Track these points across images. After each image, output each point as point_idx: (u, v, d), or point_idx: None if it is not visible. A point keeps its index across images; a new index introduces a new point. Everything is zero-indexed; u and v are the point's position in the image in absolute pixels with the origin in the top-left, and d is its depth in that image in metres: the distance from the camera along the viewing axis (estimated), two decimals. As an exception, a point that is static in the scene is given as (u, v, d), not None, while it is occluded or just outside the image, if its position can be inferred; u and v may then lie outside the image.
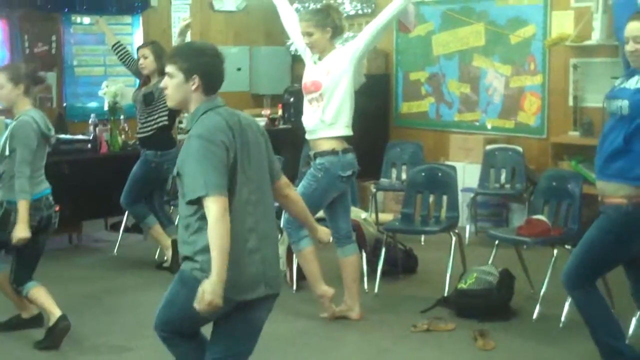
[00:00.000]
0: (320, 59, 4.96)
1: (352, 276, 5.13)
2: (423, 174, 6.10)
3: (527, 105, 7.61)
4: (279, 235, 5.10)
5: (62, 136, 6.79)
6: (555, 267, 5.00)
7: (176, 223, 5.12)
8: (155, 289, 5.06)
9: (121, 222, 6.98)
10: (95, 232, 7.48)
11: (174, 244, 5.99)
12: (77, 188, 6.45)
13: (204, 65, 3.13)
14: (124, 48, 6.78)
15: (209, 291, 2.88)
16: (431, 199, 6.04)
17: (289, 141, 7.49)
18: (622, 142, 3.81)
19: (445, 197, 5.95)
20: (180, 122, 7.06)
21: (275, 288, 3.18)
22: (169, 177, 6.24)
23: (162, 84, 3.27)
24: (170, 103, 3.23)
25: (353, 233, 5.21)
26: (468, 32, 7.97)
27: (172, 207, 6.66)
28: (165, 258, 6.32)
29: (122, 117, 7.05)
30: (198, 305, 2.90)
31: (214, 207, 2.92)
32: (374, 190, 7.48)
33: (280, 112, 8.48)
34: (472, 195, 7.20)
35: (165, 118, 6.15)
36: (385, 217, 7.33)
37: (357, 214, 5.92)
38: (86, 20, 8.32)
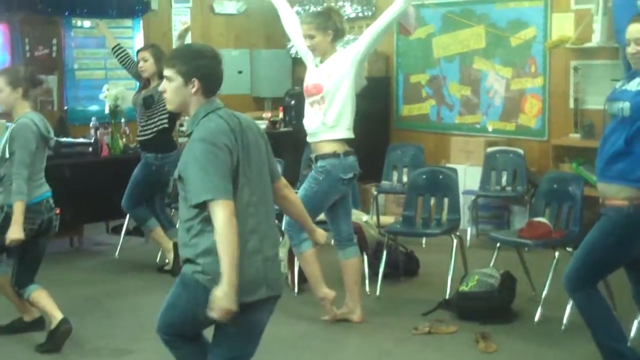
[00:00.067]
0: (321, 61, 4.96)
1: (353, 279, 5.13)
2: (424, 176, 6.10)
3: (528, 108, 7.61)
4: (280, 238, 5.10)
5: (63, 139, 6.81)
6: (556, 270, 4.99)
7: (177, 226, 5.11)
8: (157, 291, 5.06)
9: (122, 225, 6.97)
10: (96, 235, 7.47)
11: (176, 246, 5.99)
12: (78, 191, 6.45)
13: (203, 68, 3.10)
14: (124, 51, 6.78)
15: (221, 297, 2.87)
16: (432, 201, 6.04)
17: (290, 144, 7.49)
18: (623, 144, 3.81)
19: (446, 200, 5.95)
20: (181, 124, 7.06)
21: (276, 290, 3.16)
22: (170, 179, 6.23)
23: (160, 88, 3.23)
24: (170, 106, 3.20)
25: (354, 236, 5.22)
26: (468, 35, 7.97)
27: (173, 210, 6.65)
28: (167, 261, 6.32)
29: (123, 120, 7.06)
30: (212, 312, 2.89)
31: (222, 212, 2.90)
32: (375, 192, 7.47)
33: (281, 114, 8.48)
34: (473, 197, 7.20)
35: (166, 121, 6.15)
36: (387, 219, 7.34)
37: (359, 216, 5.92)
38: (87, 23, 8.31)
